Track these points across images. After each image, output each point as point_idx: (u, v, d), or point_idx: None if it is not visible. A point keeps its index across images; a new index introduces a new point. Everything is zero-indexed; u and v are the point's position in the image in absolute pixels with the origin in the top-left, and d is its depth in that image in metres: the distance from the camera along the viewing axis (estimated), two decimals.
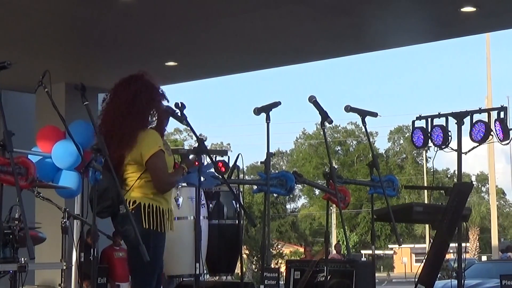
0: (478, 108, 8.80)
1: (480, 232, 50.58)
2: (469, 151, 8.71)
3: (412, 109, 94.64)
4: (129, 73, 5.38)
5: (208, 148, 5.92)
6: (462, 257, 8.05)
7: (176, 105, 5.55)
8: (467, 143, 8.64)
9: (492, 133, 8.52)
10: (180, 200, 6.36)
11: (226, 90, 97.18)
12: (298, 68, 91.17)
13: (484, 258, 43.68)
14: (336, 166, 34.76)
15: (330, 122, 6.19)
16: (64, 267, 6.97)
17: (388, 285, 39.41)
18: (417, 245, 58.26)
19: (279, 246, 37.12)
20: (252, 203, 51.51)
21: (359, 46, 11.79)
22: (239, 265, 7.24)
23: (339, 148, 67.08)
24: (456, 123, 8.67)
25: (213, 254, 6.72)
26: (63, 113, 5.44)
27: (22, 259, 6.00)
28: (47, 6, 9.29)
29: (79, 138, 6.15)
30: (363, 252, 43.53)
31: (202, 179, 5.58)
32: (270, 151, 6.25)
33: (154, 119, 5.30)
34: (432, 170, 51.35)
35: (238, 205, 6.84)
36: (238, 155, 7.18)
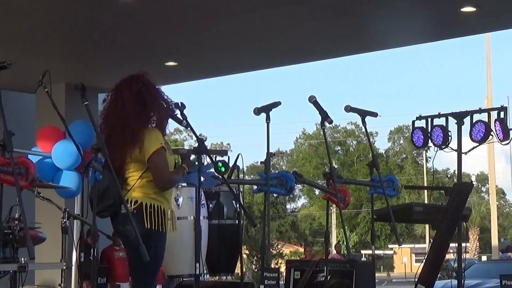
0: (478, 108, 8.80)
1: (480, 232, 50.58)
2: (469, 151, 8.71)
3: (412, 109, 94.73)
4: (129, 73, 5.38)
5: (208, 148, 5.93)
6: (462, 257, 8.05)
7: (176, 105, 5.55)
8: (467, 143, 8.65)
9: (492, 133, 8.52)
10: (180, 200, 6.36)
11: (226, 90, 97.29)
12: (298, 68, 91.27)
13: (484, 258, 43.70)
14: (336, 166, 34.76)
15: (330, 122, 6.20)
16: (64, 267, 6.97)
17: (388, 285, 39.40)
18: (417, 245, 58.27)
19: (279, 246, 37.13)
20: (252, 203, 51.50)
21: (359, 46, 11.79)
22: (239, 265, 7.24)
23: (339, 148, 67.09)
24: (456, 123, 8.66)
25: (213, 254, 6.72)
26: (63, 113, 5.43)
27: (22, 259, 5.99)
28: (47, 6, 9.29)
29: (79, 138, 6.15)
30: (363, 252, 43.55)
31: (202, 179, 5.58)
32: (270, 151, 6.25)
33: (154, 118, 5.30)
34: (432, 170, 51.39)
35: (238, 205, 6.84)
36: (238, 155, 7.19)
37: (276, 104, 6.20)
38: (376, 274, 9.38)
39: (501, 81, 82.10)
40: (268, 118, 6.14)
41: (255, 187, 6.79)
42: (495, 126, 8.51)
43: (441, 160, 76.27)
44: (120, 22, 9.94)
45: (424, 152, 53.90)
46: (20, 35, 10.36)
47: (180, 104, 5.59)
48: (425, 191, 46.13)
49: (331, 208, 12.52)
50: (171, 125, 5.52)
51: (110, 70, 11.83)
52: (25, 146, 7.49)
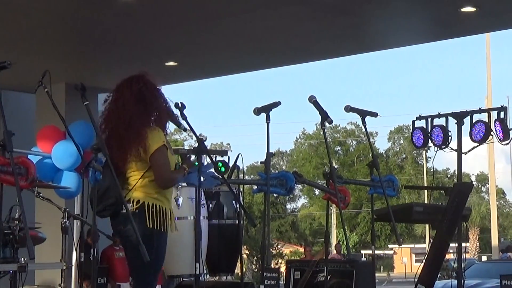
0: (478, 108, 8.80)
1: (480, 232, 50.58)
2: (469, 151, 8.70)
3: (412, 109, 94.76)
4: (129, 73, 5.38)
5: (208, 148, 5.93)
6: (462, 257, 8.05)
7: (176, 105, 5.55)
8: (467, 143, 8.64)
9: (492, 133, 8.52)
10: (180, 200, 6.36)
11: (226, 90, 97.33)
12: (298, 68, 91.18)
13: (484, 258, 43.69)
14: (336, 166, 34.76)
15: (330, 122, 6.20)
16: (64, 267, 6.97)
17: (388, 285, 39.40)
18: (417, 245, 58.27)
19: (279, 246, 37.13)
20: (252, 203, 51.49)
21: (359, 46, 11.79)
22: (239, 265, 7.24)
23: (339, 148, 67.08)
24: (456, 123, 8.66)
25: (213, 254, 6.72)
26: (63, 113, 5.44)
27: (22, 259, 6.00)
28: (47, 6, 9.29)
29: (80, 139, 6.15)
30: (363, 252, 43.56)
31: (202, 179, 5.59)
32: (270, 151, 6.25)
33: (154, 118, 5.30)
34: (432, 170, 51.42)
35: (238, 205, 6.84)
36: (238, 155, 7.19)
37: (276, 104, 6.20)
38: (376, 274, 9.39)
39: (501, 81, 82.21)
40: (268, 118, 6.15)
41: (255, 187, 6.79)
42: (495, 126, 8.51)
43: (441, 160, 76.34)
44: (120, 22, 9.94)
45: (424, 152, 53.92)
46: (20, 35, 10.36)
47: (180, 104, 5.59)
48: (425, 191, 46.14)
49: (331, 208, 12.52)
50: (172, 125, 5.53)
51: (110, 70, 11.84)
52: (25, 146, 7.48)
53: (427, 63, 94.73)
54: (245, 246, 29.56)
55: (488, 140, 8.57)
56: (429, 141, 8.82)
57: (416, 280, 7.50)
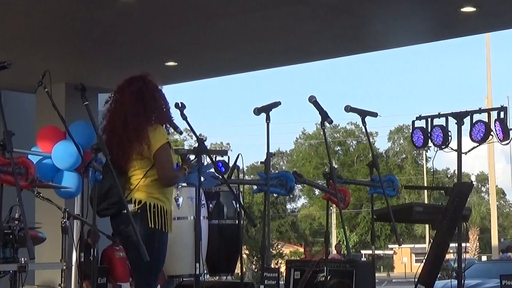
0: (478, 108, 8.79)
1: (480, 232, 50.62)
2: (469, 151, 8.70)
3: (412, 109, 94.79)
4: (129, 73, 5.39)
5: (208, 148, 5.93)
6: (462, 257, 8.04)
7: (176, 105, 5.56)
8: (467, 143, 8.64)
9: (492, 133, 8.52)
10: (180, 200, 6.36)
11: (226, 90, 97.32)
12: (298, 68, 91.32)
13: (484, 258, 43.71)
14: (336, 166, 34.75)
15: (330, 122, 6.20)
16: (64, 267, 6.97)
17: (388, 285, 39.40)
18: (417, 245, 58.28)
19: (279, 246, 37.10)
20: (252, 203, 51.47)
21: (359, 46, 11.78)
22: (239, 265, 7.25)
23: (339, 148, 67.09)
24: (456, 123, 8.66)
25: (213, 254, 6.72)
26: (63, 113, 5.44)
27: (22, 259, 5.99)
28: (47, 6, 9.29)
29: (80, 139, 6.15)
30: (363, 252, 43.57)
31: (202, 179, 5.59)
32: (270, 151, 6.25)
33: (154, 117, 5.30)
34: (432, 170, 51.38)
35: (238, 205, 6.85)
36: (238, 155, 7.19)
37: (276, 104, 6.20)
38: (376, 274, 9.38)
39: (501, 81, 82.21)
40: (268, 118, 6.15)
41: (255, 187, 6.79)
42: (495, 126, 8.51)
43: (441, 160, 76.27)
44: (120, 22, 9.94)
45: (424, 152, 53.92)
46: (20, 35, 10.36)
47: (180, 104, 5.60)
48: (425, 191, 46.15)
49: (331, 208, 12.52)
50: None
51: (110, 70, 11.84)
52: (25, 146, 7.49)
53: (427, 63, 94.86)
54: (245, 246, 29.55)
55: (488, 140, 8.57)
56: (429, 141, 8.82)
57: (416, 280, 7.50)
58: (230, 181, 6.78)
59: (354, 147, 67.03)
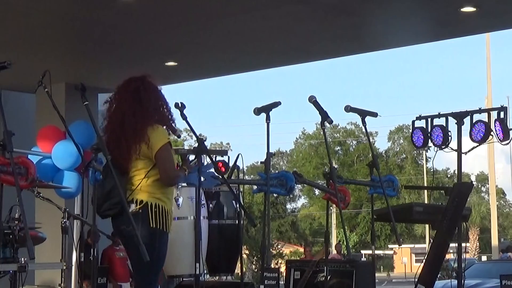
0: (478, 108, 8.79)
1: (480, 232, 50.61)
2: (469, 151, 8.70)
3: (412, 109, 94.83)
4: (129, 73, 5.39)
5: (208, 148, 5.93)
6: (462, 257, 8.04)
7: (176, 105, 5.55)
8: (467, 143, 8.64)
9: (492, 133, 8.52)
10: (180, 200, 6.36)
11: (226, 90, 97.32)
12: (298, 68, 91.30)
13: (484, 258, 43.71)
14: (336, 166, 34.73)
15: (330, 122, 6.19)
16: (64, 267, 6.97)
17: (388, 285, 39.41)
18: (417, 245, 58.28)
19: (279, 246, 37.12)
20: (252, 203, 51.46)
21: (359, 46, 11.78)
22: (239, 265, 7.25)
23: (339, 148, 67.09)
24: (456, 123, 8.66)
25: (213, 254, 6.72)
26: (63, 113, 5.45)
27: (22, 259, 5.99)
28: (47, 6, 9.29)
29: (80, 139, 6.15)
30: (363, 252, 43.58)
31: (202, 179, 5.59)
32: (270, 151, 6.25)
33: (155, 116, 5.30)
34: (432, 170, 51.38)
35: (238, 205, 6.85)
36: (238, 155, 7.20)
37: (276, 104, 6.20)
38: (376, 274, 9.38)
39: (501, 81, 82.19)
40: (268, 118, 6.15)
41: (255, 187, 6.80)
42: (495, 126, 8.51)
43: (441, 160, 76.25)
44: (120, 22, 9.94)
45: (424, 152, 53.92)
46: (20, 35, 10.36)
47: (180, 104, 5.59)
48: (425, 191, 46.14)
49: (331, 208, 12.52)
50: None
51: (110, 70, 11.84)
52: (25, 146, 7.48)
53: (427, 63, 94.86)
54: (245, 246, 29.56)
55: (488, 140, 8.57)
56: (429, 141, 8.82)
57: (416, 280, 7.50)
58: (230, 181, 6.78)
59: (354, 147, 67.03)
